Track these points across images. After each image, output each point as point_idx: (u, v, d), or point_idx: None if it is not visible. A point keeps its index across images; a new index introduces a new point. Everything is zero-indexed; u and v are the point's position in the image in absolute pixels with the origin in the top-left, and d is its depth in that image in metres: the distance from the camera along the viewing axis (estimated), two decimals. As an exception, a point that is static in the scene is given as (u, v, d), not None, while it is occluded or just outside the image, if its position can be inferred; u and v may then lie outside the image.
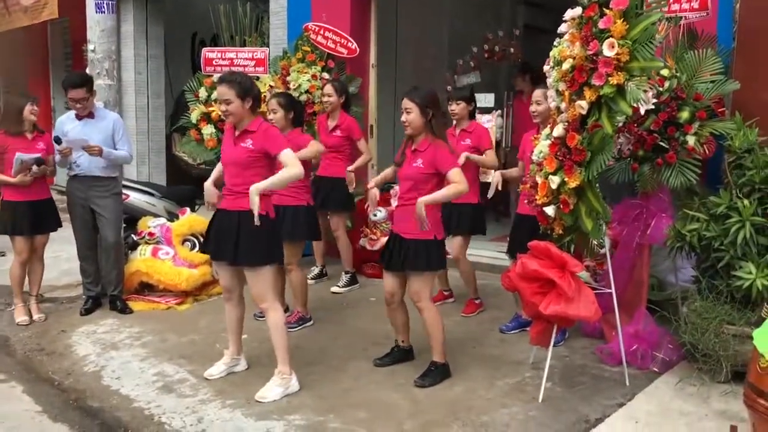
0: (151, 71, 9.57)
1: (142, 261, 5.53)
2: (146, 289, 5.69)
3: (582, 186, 3.55)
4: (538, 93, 4.48)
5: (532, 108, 4.51)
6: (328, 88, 5.74)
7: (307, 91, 6.44)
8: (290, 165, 3.75)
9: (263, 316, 4.99)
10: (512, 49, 6.92)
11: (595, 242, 3.85)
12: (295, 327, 4.91)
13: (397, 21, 7.81)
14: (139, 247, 5.65)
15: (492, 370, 4.21)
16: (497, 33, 7.05)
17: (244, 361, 4.27)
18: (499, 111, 6.37)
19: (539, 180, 3.75)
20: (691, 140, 4.06)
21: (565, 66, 3.60)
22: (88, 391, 4.07)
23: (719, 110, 4.21)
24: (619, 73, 3.39)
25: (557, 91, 3.73)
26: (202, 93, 6.11)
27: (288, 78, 6.52)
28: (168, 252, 5.60)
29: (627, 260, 4.37)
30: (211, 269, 5.72)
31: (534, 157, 3.90)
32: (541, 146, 3.78)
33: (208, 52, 6.23)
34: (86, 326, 5.08)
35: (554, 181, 3.59)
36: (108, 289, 5.44)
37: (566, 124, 3.61)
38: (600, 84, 3.43)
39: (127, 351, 4.61)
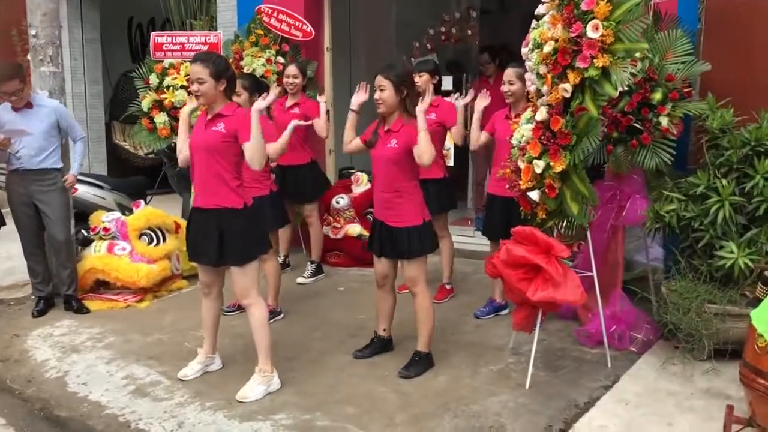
0: (87, 57, 9.13)
1: (97, 258, 5.26)
2: (101, 286, 5.42)
3: (567, 170, 3.51)
4: (510, 72, 4.44)
5: (505, 88, 4.47)
6: (293, 69, 5.55)
7: (262, 76, 6.23)
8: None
9: (231, 311, 4.86)
10: (470, 31, 6.85)
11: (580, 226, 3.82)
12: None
13: (350, 3, 7.64)
14: (93, 244, 5.37)
15: (474, 357, 4.17)
16: (454, 15, 6.96)
17: (219, 360, 4.11)
18: (458, 93, 6.27)
19: (521, 165, 3.70)
20: (664, 121, 4.08)
21: (547, 48, 3.55)
22: (53, 399, 3.83)
23: (686, 90, 4.24)
24: (603, 55, 3.35)
25: (538, 74, 3.67)
26: (153, 79, 5.83)
27: (242, 63, 6.29)
28: (124, 247, 5.34)
29: (601, 242, 4.37)
30: (171, 264, 5.51)
31: (514, 142, 3.85)
32: (523, 130, 3.73)
33: (157, 37, 5.94)
34: (41, 329, 4.80)
35: (539, 165, 3.54)
36: (61, 289, 5.16)
37: (549, 107, 3.56)
38: (584, 66, 3.39)
39: (90, 354, 4.37)
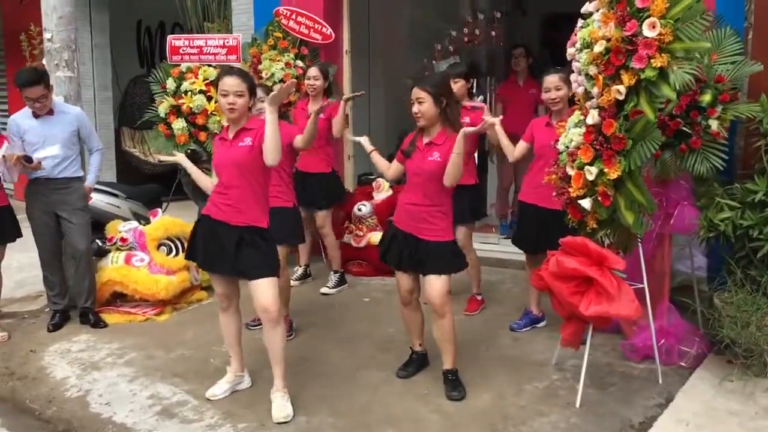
0: (96, 62, 8.95)
1: (114, 269, 5.06)
2: (118, 299, 5.23)
3: (621, 177, 3.31)
4: (555, 78, 4.24)
5: (551, 95, 4.26)
6: (315, 71, 5.37)
7: (281, 80, 6.04)
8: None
9: (256, 325, 4.65)
10: (494, 33, 6.67)
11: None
12: (291, 336, 4.57)
13: (369, 4, 7.46)
14: (110, 254, 5.17)
15: (515, 374, 3.97)
16: (477, 16, 6.78)
17: (248, 378, 3.90)
18: (481, 96, 6.12)
19: (571, 171, 3.50)
20: (714, 124, 3.89)
21: (598, 48, 3.34)
22: (75, 420, 3.63)
23: (731, 93, 4.05)
24: (661, 54, 3.16)
25: (587, 75, 3.47)
26: (170, 84, 5.64)
27: (260, 67, 6.11)
28: (143, 258, 5.14)
29: (647, 251, 4.16)
30: (190, 275, 5.31)
31: (561, 147, 3.65)
32: (571, 135, 3.53)
33: (174, 40, 5.74)
34: (58, 344, 4.60)
35: (591, 172, 3.34)
36: (78, 302, 4.96)
37: (600, 110, 3.36)
38: (641, 67, 3.19)
39: (111, 371, 4.17)
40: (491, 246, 6.34)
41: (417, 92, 3.61)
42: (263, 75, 6.05)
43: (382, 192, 6.18)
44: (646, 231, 3.48)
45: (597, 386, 3.75)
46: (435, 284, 3.64)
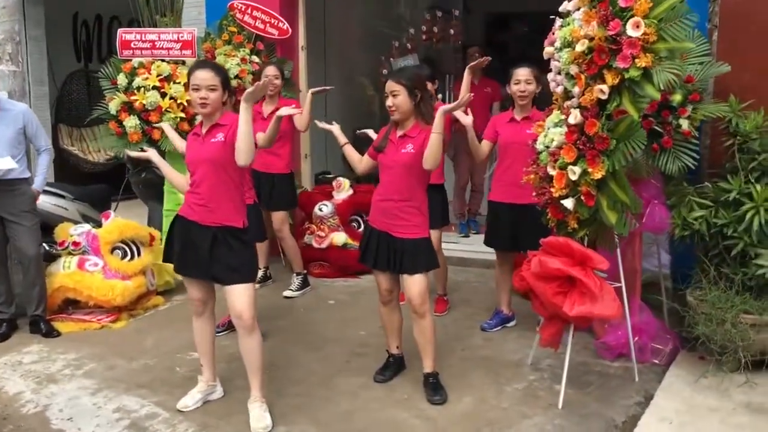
0: (31, 56, 8.45)
1: (67, 275, 4.79)
2: (70, 306, 4.96)
3: (604, 177, 3.31)
4: (526, 72, 4.24)
5: (521, 87, 4.25)
6: (273, 70, 5.20)
7: (236, 76, 5.86)
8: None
9: (222, 331, 4.48)
10: (452, 31, 6.63)
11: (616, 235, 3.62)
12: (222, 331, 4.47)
13: (325, 0, 7.32)
14: (62, 259, 4.90)
15: (493, 375, 3.93)
16: (435, 14, 6.73)
17: (221, 388, 3.74)
18: (440, 95, 6.09)
19: (552, 171, 3.47)
20: (684, 124, 3.95)
21: (580, 47, 3.33)
22: (36, 439, 3.41)
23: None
24: (646, 54, 3.16)
25: (568, 74, 3.46)
26: (122, 79, 5.38)
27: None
28: (96, 263, 4.89)
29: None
30: (146, 280, 5.08)
31: (540, 146, 3.62)
32: (552, 134, 3.51)
33: (125, 34, 5.48)
34: (7, 356, 4.32)
35: (575, 171, 3.32)
36: (28, 310, 4.68)
37: (583, 110, 3.34)
38: (625, 67, 3.18)
39: (70, 383, 3.93)
40: (452, 245, 6.30)
41: (391, 85, 3.55)
42: (218, 71, 5.84)
43: (343, 191, 6.06)
44: (630, 230, 3.48)
45: (575, 386, 3.74)
46: (413, 283, 3.57)
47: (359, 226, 6.05)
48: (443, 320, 4.81)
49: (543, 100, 4.20)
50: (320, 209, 5.87)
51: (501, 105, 6.95)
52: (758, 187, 3.56)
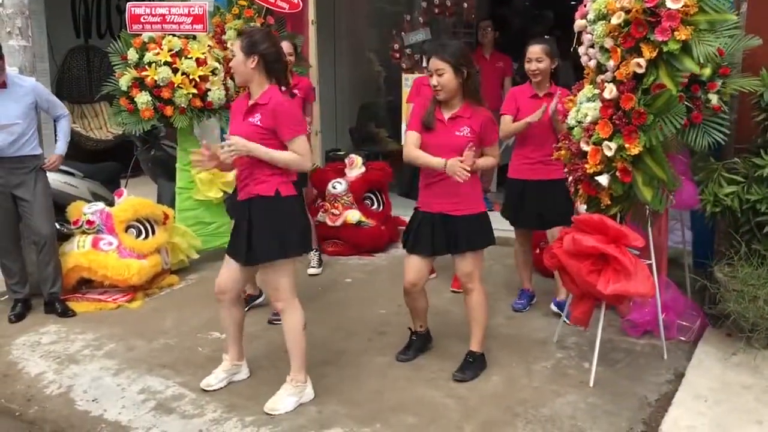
0: (32, 30, 8.31)
1: (81, 254, 4.71)
2: (83, 285, 4.89)
3: (640, 152, 3.24)
4: (538, 49, 4.15)
5: (532, 66, 4.17)
6: (288, 47, 5.09)
7: (247, 52, 5.74)
8: (302, 155, 3.21)
9: (277, 321, 4.39)
10: (465, 4, 6.52)
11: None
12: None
13: (334, -27, 7.20)
14: (76, 238, 4.82)
15: (520, 353, 3.90)
16: (449, -14, 6.62)
17: (246, 368, 3.69)
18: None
19: (586, 147, 3.41)
20: (714, 98, 3.87)
21: (616, 20, 3.25)
22: (62, 420, 3.36)
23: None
24: (686, 27, 3.09)
25: (602, 47, 3.38)
26: (132, 55, 5.25)
27: (224, 37, 5.81)
28: (111, 242, 4.81)
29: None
30: (161, 259, 5.01)
31: (571, 121, 3.55)
32: (585, 109, 3.44)
33: (134, 8, 5.34)
34: (25, 336, 4.26)
35: (611, 147, 3.26)
36: (43, 289, 4.61)
37: (619, 84, 3.27)
38: (663, 40, 3.11)
39: (92, 364, 3.88)
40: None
41: (436, 63, 3.41)
42: (228, 46, 5.74)
43: (356, 169, 5.99)
44: (666, 207, 3.42)
45: (604, 364, 3.71)
46: (467, 261, 3.54)
47: (372, 204, 5.99)
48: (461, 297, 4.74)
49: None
50: (334, 187, 5.80)
51: (513, 80, 6.87)
52: (792, 162, 3.51)
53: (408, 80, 6.34)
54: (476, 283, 3.56)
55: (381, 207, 6.01)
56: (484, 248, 3.61)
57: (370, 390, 3.52)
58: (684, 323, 4.03)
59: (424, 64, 6.44)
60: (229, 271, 3.43)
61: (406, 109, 6.37)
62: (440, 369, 3.70)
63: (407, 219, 6.21)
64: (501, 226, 4.45)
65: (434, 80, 3.41)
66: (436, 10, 6.60)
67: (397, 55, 6.69)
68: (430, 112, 3.49)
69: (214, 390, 3.53)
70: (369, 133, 7.90)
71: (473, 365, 3.62)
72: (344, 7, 7.36)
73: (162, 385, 3.62)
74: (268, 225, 3.23)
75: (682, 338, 3.99)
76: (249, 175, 3.25)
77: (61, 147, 4.61)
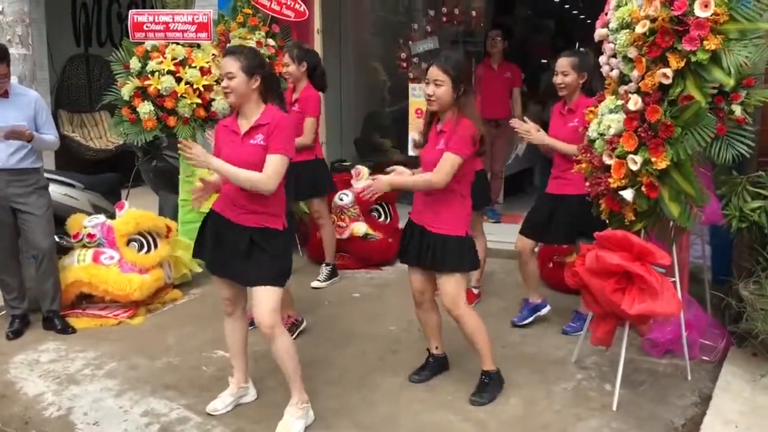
0: (32, 39, 8.19)
1: (82, 269, 4.57)
2: (83, 301, 4.75)
3: (667, 167, 3.11)
4: (565, 62, 4.03)
5: (557, 79, 4.05)
6: (286, 58, 4.94)
7: (253, 61, 5.62)
8: (268, 174, 3.02)
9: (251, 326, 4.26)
10: (474, 13, 6.41)
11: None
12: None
13: (340, -19, 7.09)
14: (76, 252, 4.67)
15: (538, 374, 3.76)
16: (457, -5, 6.53)
17: (254, 389, 3.55)
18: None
19: (609, 160, 3.28)
20: (737, 110, 3.73)
21: (640, 29, 3.13)
22: (62, 445, 3.21)
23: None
24: (715, 36, 2.96)
25: (625, 57, 3.25)
26: (134, 64, 5.12)
27: (228, 46, 5.67)
28: (112, 256, 4.67)
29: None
30: (163, 273, 4.87)
31: (592, 134, 3.43)
32: (608, 121, 3.31)
33: (137, 16, 5.22)
34: (23, 354, 4.11)
35: (636, 161, 3.13)
36: (42, 305, 4.46)
37: (644, 95, 3.15)
38: (692, 49, 2.98)
39: (93, 384, 3.73)
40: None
41: (436, 73, 3.27)
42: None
43: (362, 180, 5.84)
44: (695, 223, 3.29)
45: (626, 385, 3.57)
46: (444, 284, 3.38)
47: (379, 216, 5.86)
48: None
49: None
50: (341, 198, 5.66)
51: (521, 90, 6.77)
52: (823, 176, 3.38)
53: (416, 90, 6.22)
54: (461, 309, 3.39)
55: (388, 219, 5.88)
56: (453, 273, 3.39)
57: (382, 413, 3.37)
58: (707, 342, 3.89)
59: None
60: (230, 284, 3.30)
61: (414, 121, 6.26)
62: (456, 390, 3.56)
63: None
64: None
65: (430, 89, 3.28)
66: (444, 19, 6.49)
67: (405, 65, 6.58)
68: (424, 129, 3.42)
69: (222, 414, 3.38)
70: (374, 144, 7.78)
71: (489, 386, 3.47)
72: (350, 15, 7.25)
73: (166, 407, 3.47)
74: (272, 255, 3.13)
75: (705, 358, 3.85)
76: (253, 201, 3.11)
77: (37, 135, 4.25)
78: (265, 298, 3.10)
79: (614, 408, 3.36)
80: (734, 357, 3.76)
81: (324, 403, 3.41)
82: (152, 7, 5.59)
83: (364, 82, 7.42)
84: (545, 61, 10.39)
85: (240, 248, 3.13)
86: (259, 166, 3.02)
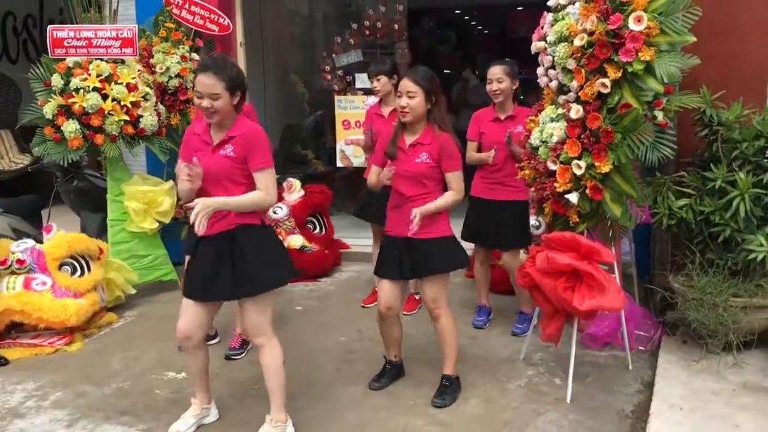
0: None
1: (13, 296, 4.34)
2: (12, 330, 4.52)
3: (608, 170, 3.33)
4: (498, 70, 4.20)
5: (493, 86, 4.22)
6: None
7: (177, 75, 5.55)
8: (265, 190, 3.01)
9: (236, 356, 4.19)
10: (396, 26, 6.54)
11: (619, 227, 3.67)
12: (241, 353, 4.21)
13: (263, -7, 7.06)
14: (5, 279, 4.44)
15: (491, 373, 3.90)
16: (379, 8, 6.61)
17: (215, 410, 3.50)
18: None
19: (554, 166, 3.46)
20: (660, 115, 4.03)
21: (578, 42, 3.33)
22: (18, 483, 3.07)
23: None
24: (648, 48, 3.20)
25: (564, 68, 3.45)
26: (56, 81, 4.93)
27: (152, 61, 5.57)
28: (44, 282, 4.47)
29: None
30: (99, 296, 4.71)
31: (535, 141, 3.61)
32: (550, 129, 3.50)
33: (56, 31, 5.02)
34: (-45, 391, 3.89)
35: (580, 166, 3.33)
36: (-30, 338, 4.23)
37: (584, 104, 3.35)
38: (628, 60, 3.21)
39: (39, 416, 3.57)
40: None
41: (408, 85, 3.36)
42: (157, 69, 5.52)
43: (294, 192, 5.87)
44: (636, 222, 3.52)
45: (575, 378, 3.75)
46: (431, 285, 3.49)
47: (314, 228, 5.89)
48: (414, 320, 4.69)
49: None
50: (275, 212, 5.65)
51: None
52: (741, 174, 3.69)
53: (341, 102, 6.29)
54: (443, 308, 3.51)
55: (323, 231, 5.92)
56: (448, 272, 3.56)
57: (351, 423, 3.41)
58: (641, 333, 4.15)
59: (357, 86, 6.45)
60: (193, 315, 3.19)
61: (340, 132, 6.33)
62: (416, 396, 3.64)
63: (349, 242, 6.22)
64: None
65: (403, 101, 3.36)
66: (367, 32, 6.59)
67: (329, 77, 6.64)
68: (393, 140, 3.46)
69: (184, 436, 3.33)
70: (295, 155, 7.78)
71: (450, 389, 3.58)
72: (273, 28, 7.24)
73: (124, 434, 3.38)
74: (261, 254, 3.07)
75: (642, 348, 4.11)
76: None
77: None
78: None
79: (568, 400, 3.54)
80: (667, 345, 4.03)
81: (291, 416, 3.41)
82: (57, 22, 5.37)
83: (284, 92, 7.43)
84: (448, 71, 10.73)
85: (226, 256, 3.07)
86: (227, 176, 3.00)
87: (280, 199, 5.86)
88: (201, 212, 2.86)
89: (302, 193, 5.88)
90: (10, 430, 3.45)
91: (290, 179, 5.95)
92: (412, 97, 3.34)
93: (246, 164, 3.02)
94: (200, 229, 2.86)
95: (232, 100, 2.99)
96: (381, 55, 7.06)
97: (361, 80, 6.37)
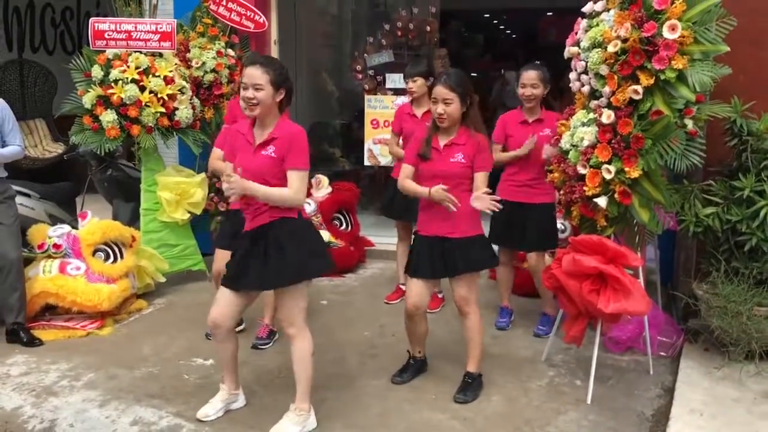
0: (-36, 45, 7.94)
1: (48, 280, 4.48)
2: (46, 312, 4.65)
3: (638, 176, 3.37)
4: (534, 75, 4.25)
5: (527, 91, 4.27)
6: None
7: (213, 70, 5.66)
8: (293, 190, 3.09)
9: (263, 346, 4.28)
10: (428, 27, 6.61)
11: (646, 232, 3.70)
12: (268, 343, 4.31)
13: (298, -8, 7.17)
14: (41, 263, 4.58)
15: (513, 373, 3.95)
16: (411, 10, 6.69)
17: (243, 396, 3.59)
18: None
19: (583, 170, 3.51)
20: (689, 124, 4.05)
21: (612, 48, 3.38)
22: (53, 457, 3.18)
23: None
24: (683, 56, 3.24)
25: (597, 74, 3.50)
26: (96, 72, 5.06)
27: (188, 55, 5.69)
28: (79, 266, 4.60)
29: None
30: (131, 283, 4.83)
31: (565, 145, 3.66)
32: (581, 133, 3.55)
33: (98, 24, 5.16)
34: (-9, 368, 4.02)
35: (610, 170, 3.37)
36: (7, 318, 4.35)
37: (615, 110, 3.40)
38: (661, 68, 3.25)
39: (73, 396, 3.68)
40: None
41: (443, 92, 3.43)
42: (193, 64, 5.63)
43: (323, 189, 5.95)
44: (664, 228, 3.56)
45: (596, 380, 3.79)
46: (463, 283, 3.56)
47: (341, 225, 5.97)
48: (439, 318, 4.76)
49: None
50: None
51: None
52: (770, 185, 3.72)
53: (371, 101, 6.37)
54: (472, 305, 3.59)
55: (350, 227, 6.00)
56: (479, 271, 3.64)
57: (374, 413, 3.49)
58: (664, 339, 4.18)
59: (387, 86, 6.52)
60: (227, 304, 3.28)
61: (369, 131, 6.40)
62: (439, 391, 3.71)
63: (374, 240, 6.30)
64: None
65: (440, 108, 3.43)
66: (399, 33, 6.67)
67: (360, 77, 6.72)
68: (428, 141, 3.53)
69: (213, 420, 3.42)
70: (323, 153, 7.87)
71: (472, 386, 3.64)
72: (306, 28, 7.34)
73: (155, 415, 3.48)
74: (299, 245, 3.15)
75: (663, 353, 4.14)
76: (263, 204, 3.16)
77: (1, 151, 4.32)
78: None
79: (588, 401, 3.58)
80: (689, 352, 4.06)
81: (314, 406, 3.48)
82: (94, 16, 5.51)
83: (316, 91, 7.54)
84: (475, 75, 10.77)
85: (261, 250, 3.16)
86: (268, 176, 3.08)
87: (308, 195, 5.95)
88: (236, 188, 2.98)
89: (330, 189, 5.96)
90: (44, 407, 3.57)
91: (319, 176, 6.03)
92: (448, 104, 3.42)
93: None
94: (233, 199, 3.07)
95: (275, 96, 3.08)
96: (416, 57, 7.15)
97: (392, 80, 6.45)
